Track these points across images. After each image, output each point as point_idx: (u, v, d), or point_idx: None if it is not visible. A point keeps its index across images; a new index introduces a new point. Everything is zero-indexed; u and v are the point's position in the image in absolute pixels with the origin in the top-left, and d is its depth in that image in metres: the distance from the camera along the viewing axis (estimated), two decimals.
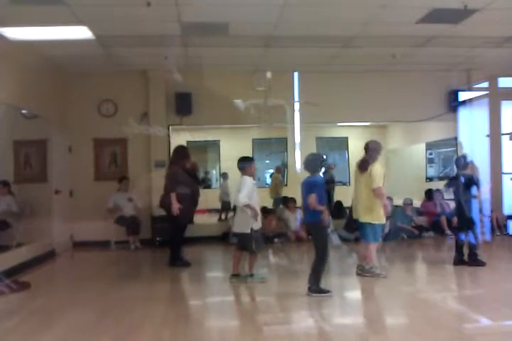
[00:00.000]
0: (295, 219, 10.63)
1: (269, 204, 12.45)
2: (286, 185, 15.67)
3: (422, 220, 10.94)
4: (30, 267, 7.90)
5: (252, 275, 6.80)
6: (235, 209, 10.95)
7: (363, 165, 6.79)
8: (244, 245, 6.76)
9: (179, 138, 13.37)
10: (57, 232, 9.50)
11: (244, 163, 6.79)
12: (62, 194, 9.74)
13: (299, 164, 14.27)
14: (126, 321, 5.14)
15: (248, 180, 6.67)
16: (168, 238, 8.32)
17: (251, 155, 12.42)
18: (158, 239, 10.13)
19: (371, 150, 6.81)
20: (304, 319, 5.31)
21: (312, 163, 6.13)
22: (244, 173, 6.73)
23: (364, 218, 6.74)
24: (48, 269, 8.41)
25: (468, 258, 7.37)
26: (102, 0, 6.64)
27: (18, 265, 7.63)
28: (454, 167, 7.84)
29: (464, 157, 7.68)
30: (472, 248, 7.39)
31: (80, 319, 5.27)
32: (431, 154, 14.55)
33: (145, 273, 8.19)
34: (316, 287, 5.92)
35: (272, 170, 15.88)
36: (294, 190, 13.08)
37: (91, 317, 5.32)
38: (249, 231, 6.63)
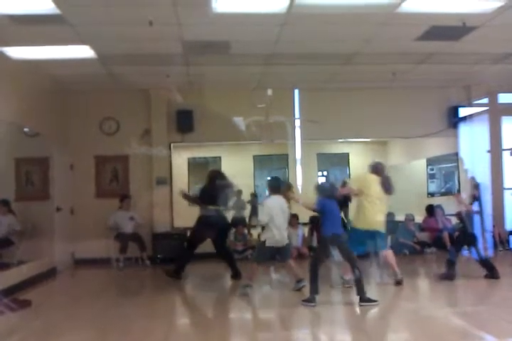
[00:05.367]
0: (297, 236, 10.58)
1: None
2: None
3: (423, 236, 10.89)
4: (31, 285, 7.86)
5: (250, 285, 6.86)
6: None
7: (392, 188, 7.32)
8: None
9: (180, 156, 13.37)
10: (59, 250, 9.48)
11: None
12: (63, 211, 9.73)
13: (300, 180, 14.24)
14: (128, 340, 5.10)
15: None
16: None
17: (252, 172, 12.41)
18: (159, 256, 10.10)
19: (383, 171, 7.38)
20: (305, 336, 5.27)
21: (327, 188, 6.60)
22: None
23: (382, 227, 7.21)
24: (49, 287, 8.37)
25: (490, 274, 7.47)
26: (104, 19, 6.71)
27: (19, 283, 7.59)
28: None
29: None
30: (486, 263, 7.56)
31: (81, 338, 5.22)
32: (432, 170, 14.52)
33: (146, 291, 8.15)
34: (364, 295, 6.04)
35: None
36: (295, 206, 12.99)
37: (92, 336, 5.28)
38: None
